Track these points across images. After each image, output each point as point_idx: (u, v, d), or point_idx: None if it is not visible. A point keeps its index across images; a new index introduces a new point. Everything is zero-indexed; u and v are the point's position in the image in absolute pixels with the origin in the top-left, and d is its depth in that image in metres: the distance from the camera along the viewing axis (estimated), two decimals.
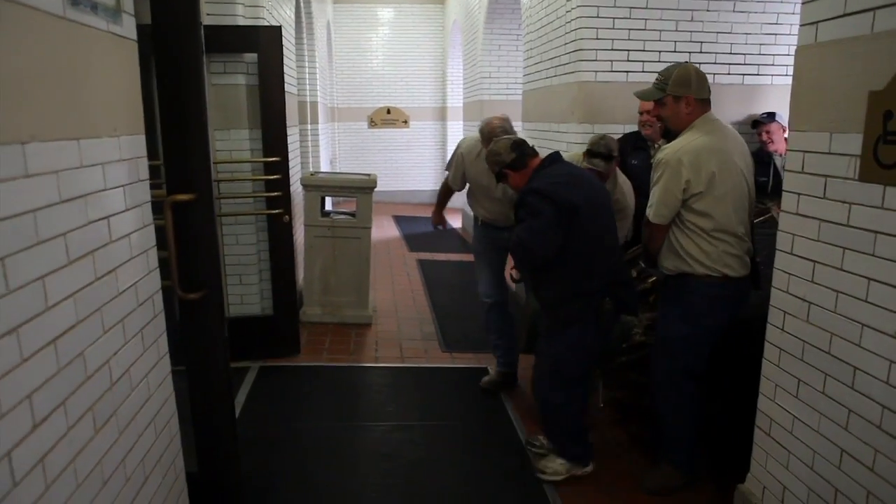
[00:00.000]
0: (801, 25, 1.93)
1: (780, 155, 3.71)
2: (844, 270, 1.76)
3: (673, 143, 2.38)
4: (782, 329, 2.04)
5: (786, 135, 3.73)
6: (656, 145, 3.43)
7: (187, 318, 2.04)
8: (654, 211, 2.36)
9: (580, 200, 2.36)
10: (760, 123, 3.82)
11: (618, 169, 3.15)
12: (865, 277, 1.68)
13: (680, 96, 2.35)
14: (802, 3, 1.91)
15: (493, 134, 3.07)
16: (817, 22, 1.84)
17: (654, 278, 2.98)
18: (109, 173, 1.46)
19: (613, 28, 3.90)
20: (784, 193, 2.02)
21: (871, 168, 1.64)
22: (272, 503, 2.47)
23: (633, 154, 3.47)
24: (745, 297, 2.43)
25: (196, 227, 1.96)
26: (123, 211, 1.54)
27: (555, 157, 2.58)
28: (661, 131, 3.29)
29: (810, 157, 1.89)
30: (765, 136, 3.77)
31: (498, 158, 2.57)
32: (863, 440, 1.69)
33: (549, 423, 2.69)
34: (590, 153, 3.00)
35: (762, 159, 3.75)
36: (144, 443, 1.64)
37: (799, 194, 1.95)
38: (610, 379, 3.22)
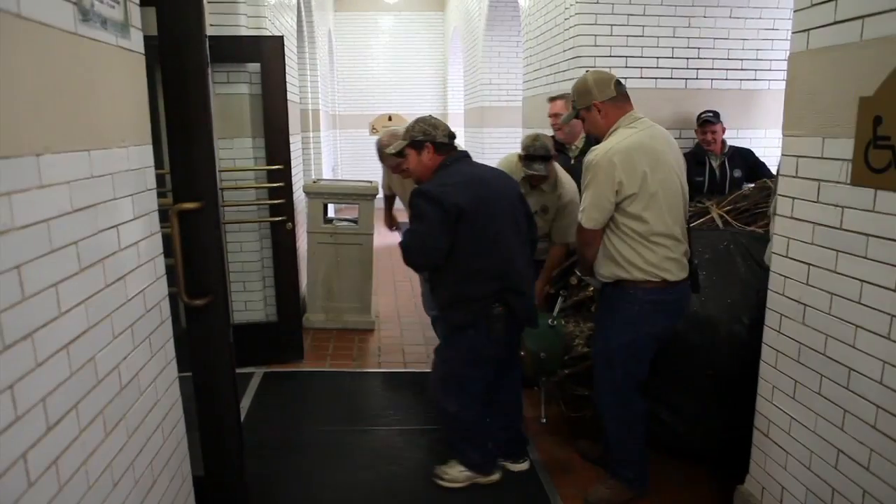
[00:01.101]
0: (793, 33, 1.97)
1: (717, 155, 3.75)
2: (838, 273, 1.79)
3: (603, 143, 2.29)
4: (779, 331, 2.07)
5: (724, 136, 3.79)
6: (573, 147, 3.51)
7: (193, 324, 2.07)
8: (586, 215, 2.27)
9: (466, 203, 2.27)
10: (709, 123, 3.75)
11: (558, 166, 3.12)
12: (858, 280, 1.71)
13: (588, 107, 2.32)
14: (794, 11, 1.95)
15: (382, 149, 3.06)
16: (809, 29, 1.88)
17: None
18: (118, 183, 1.50)
19: (611, 35, 3.95)
20: (779, 197, 2.06)
21: (863, 172, 1.68)
22: None
23: None
24: (686, 300, 2.38)
25: (202, 235, 1.99)
26: (132, 220, 1.58)
27: (461, 155, 2.48)
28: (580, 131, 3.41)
29: (804, 161, 1.93)
30: (710, 136, 3.73)
31: (431, 131, 2.41)
32: (858, 440, 1.72)
33: (446, 430, 2.63)
34: (528, 158, 2.94)
35: (699, 159, 3.76)
36: (152, 446, 1.67)
37: (793, 198, 1.98)
38: (553, 392, 3.13)
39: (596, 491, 2.52)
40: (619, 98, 2.31)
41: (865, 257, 1.68)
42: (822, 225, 1.85)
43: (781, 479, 2.08)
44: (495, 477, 2.64)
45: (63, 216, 1.23)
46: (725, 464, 2.60)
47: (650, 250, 2.23)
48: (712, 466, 2.67)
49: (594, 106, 2.30)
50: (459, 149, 2.51)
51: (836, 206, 1.78)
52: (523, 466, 2.74)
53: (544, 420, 3.06)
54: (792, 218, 1.99)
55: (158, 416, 1.73)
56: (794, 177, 1.97)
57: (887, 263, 1.60)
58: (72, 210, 1.26)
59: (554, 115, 3.51)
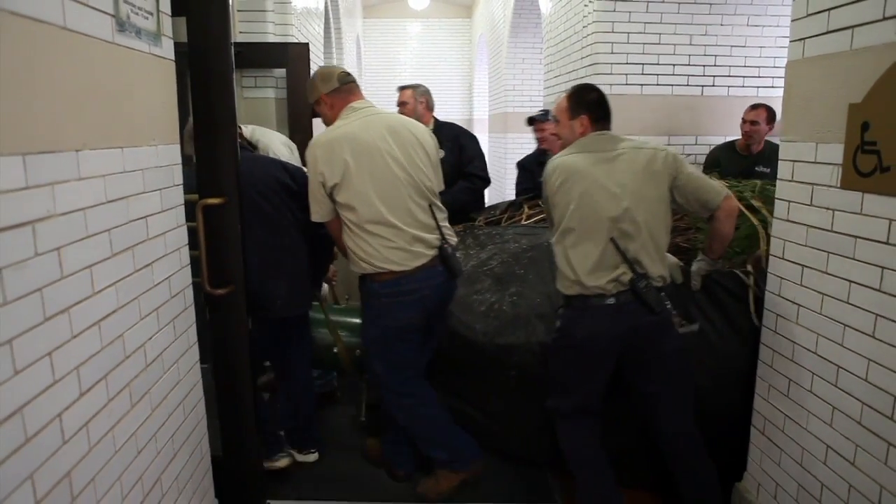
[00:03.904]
0: (790, 41, 2.03)
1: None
2: (829, 274, 1.84)
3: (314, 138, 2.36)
4: (774, 331, 2.12)
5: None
6: None
7: (214, 312, 2.21)
8: (311, 209, 2.35)
9: None
10: (538, 121, 3.66)
11: None
12: (847, 280, 1.76)
13: (318, 100, 2.40)
14: (791, 21, 2.02)
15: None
16: (804, 38, 1.95)
17: None
18: (148, 178, 1.64)
19: (628, 42, 4.02)
20: (776, 201, 2.11)
21: (851, 176, 1.73)
22: (291, 491, 2.62)
23: None
24: (432, 288, 2.33)
25: (224, 229, 2.13)
26: (160, 212, 1.72)
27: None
28: None
29: (799, 166, 1.99)
30: (548, 134, 3.62)
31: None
32: (845, 436, 1.77)
33: None
34: None
35: (543, 160, 3.54)
36: (174, 422, 1.81)
37: (789, 202, 2.04)
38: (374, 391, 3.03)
39: (423, 483, 2.56)
40: (343, 89, 2.38)
41: (853, 258, 1.74)
42: (814, 227, 1.91)
43: (776, 476, 2.13)
44: (280, 464, 2.65)
45: (98, 206, 1.37)
46: (553, 468, 2.57)
47: (365, 241, 2.27)
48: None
49: (321, 99, 2.39)
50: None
51: (828, 208, 1.84)
52: (310, 458, 2.75)
53: (363, 419, 3.02)
54: (788, 220, 2.05)
55: (180, 394, 1.87)
56: (789, 181, 2.03)
57: (872, 264, 1.66)
58: (106, 201, 1.41)
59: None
